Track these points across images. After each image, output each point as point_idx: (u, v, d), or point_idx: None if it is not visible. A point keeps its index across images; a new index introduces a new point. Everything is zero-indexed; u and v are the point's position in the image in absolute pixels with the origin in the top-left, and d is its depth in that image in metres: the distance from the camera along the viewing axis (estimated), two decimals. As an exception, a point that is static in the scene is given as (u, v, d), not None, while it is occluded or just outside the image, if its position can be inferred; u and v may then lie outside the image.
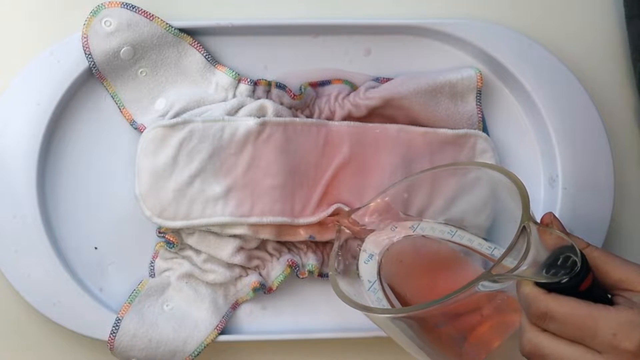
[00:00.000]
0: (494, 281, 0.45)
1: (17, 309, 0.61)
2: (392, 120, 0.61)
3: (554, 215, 0.48)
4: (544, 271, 0.44)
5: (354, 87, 0.62)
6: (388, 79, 0.62)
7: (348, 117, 0.61)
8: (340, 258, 0.56)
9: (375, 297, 0.54)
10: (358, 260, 0.56)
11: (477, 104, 0.62)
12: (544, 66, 0.62)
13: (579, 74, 0.62)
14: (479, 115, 0.62)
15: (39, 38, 0.61)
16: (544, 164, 0.63)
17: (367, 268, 0.55)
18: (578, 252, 0.44)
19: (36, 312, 0.59)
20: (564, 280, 0.43)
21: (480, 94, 0.62)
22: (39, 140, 0.59)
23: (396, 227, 0.58)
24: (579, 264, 0.43)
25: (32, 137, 0.59)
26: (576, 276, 0.43)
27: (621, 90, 0.65)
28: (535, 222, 0.46)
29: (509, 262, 0.45)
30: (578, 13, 0.65)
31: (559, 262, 0.44)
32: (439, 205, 0.58)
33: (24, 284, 0.59)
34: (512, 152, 0.64)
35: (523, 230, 0.45)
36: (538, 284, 0.44)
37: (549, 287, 0.44)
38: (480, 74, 0.62)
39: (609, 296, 0.45)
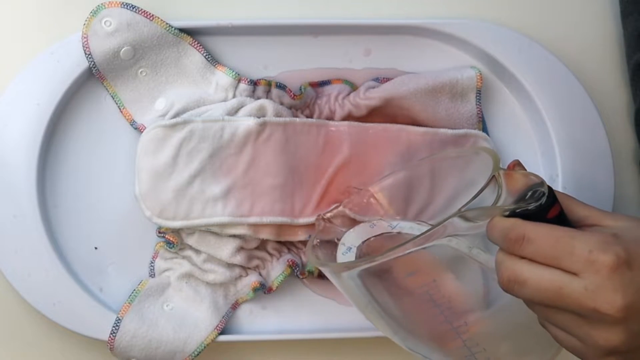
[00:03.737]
0: (466, 219, 0.46)
1: (17, 309, 0.61)
2: (392, 120, 0.61)
3: (519, 161, 0.50)
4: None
5: (354, 87, 0.62)
6: (388, 79, 0.62)
7: (348, 117, 0.61)
8: (318, 251, 0.56)
9: None
10: (336, 254, 0.56)
11: (477, 104, 0.62)
12: (544, 66, 0.62)
13: (578, 73, 0.62)
14: (479, 115, 0.62)
15: (39, 38, 0.61)
16: (544, 164, 0.63)
17: (345, 259, 0.55)
18: (545, 184, 0.45)
19: (36, 312, 0.59)
20: (533, 206, 0.45)
21: (480, 93, 0.62)
22: (39, 140, 0.59)
23: (375, 225, 0.58)
24: (546, 192, 0.45)
25: (32, 137, 0.59)
26: (544, 202, 0.45)
27: (620, 90, 0.65)
28: (503, 169, 0.47)
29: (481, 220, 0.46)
30: (577, 12, 0.65)
31: (526, 197, 0.45)
32: (439, 204, 0.59)
33: (24, 284, 0.59)
34: (512, 152, 0.64)
35: (493, 178, 0.47)
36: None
37: (519, 216, 0.45)
38: (480, 74, 0.62)
39: None
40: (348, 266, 0.51)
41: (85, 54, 0.58)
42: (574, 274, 0.43)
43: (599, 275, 0.42)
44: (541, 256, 0.44)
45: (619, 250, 0.42)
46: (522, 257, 0.44)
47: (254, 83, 0.60)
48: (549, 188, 0.45)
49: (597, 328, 0.43)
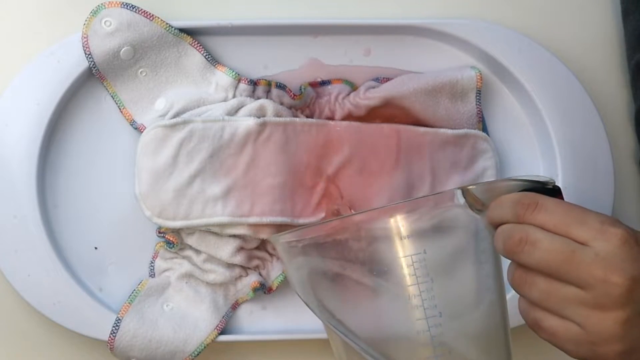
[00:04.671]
0: (469, 197, 0.46)
1: (17, 309, 0.61)
2: (392, 120, 0.61)
3: None
4: None
5: (354, 87, 0.62)
6: (388, 79, 0.62)
7: (348, 117, 0.61)
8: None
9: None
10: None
11: (477, 104, 0.62)
12: (544, 66, 0.62)
13: (578, 73, 0.62)
14: (479, 115, 0.62)
15: (39, 38, 0.61)
16: (544, 164, 0.63)
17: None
18: (554, 180, 0.46)
19: (36, 312, 0.59)
20: (540, 186, 0.45)
21: (480, 94, 0.62)
22: (39, 140, 0.59)
23: None
24: (554, 182, 0.46)
25: (32, 137, 0.59)
26: (551, 187, 0.46)
27: (620, 90, 0.65)
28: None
29: None
30: (577, 12, 0.65)
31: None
32: None
33: (24, 284, 0.59)
34: (512, 152, 0.64)
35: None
36: None
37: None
38: (480, 74, 0.62)
39: None
40: (297, 236, 0.49)
41: (85, 54, 0.58)
42: (584, 244, 0.43)
43: (610, 243, 0.43)
44: (552, 224, 0.44)
45: (627, 228, 0.43)
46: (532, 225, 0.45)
47: (254, 83, 0.60)
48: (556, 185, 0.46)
49: (603, 306, 0.43)
